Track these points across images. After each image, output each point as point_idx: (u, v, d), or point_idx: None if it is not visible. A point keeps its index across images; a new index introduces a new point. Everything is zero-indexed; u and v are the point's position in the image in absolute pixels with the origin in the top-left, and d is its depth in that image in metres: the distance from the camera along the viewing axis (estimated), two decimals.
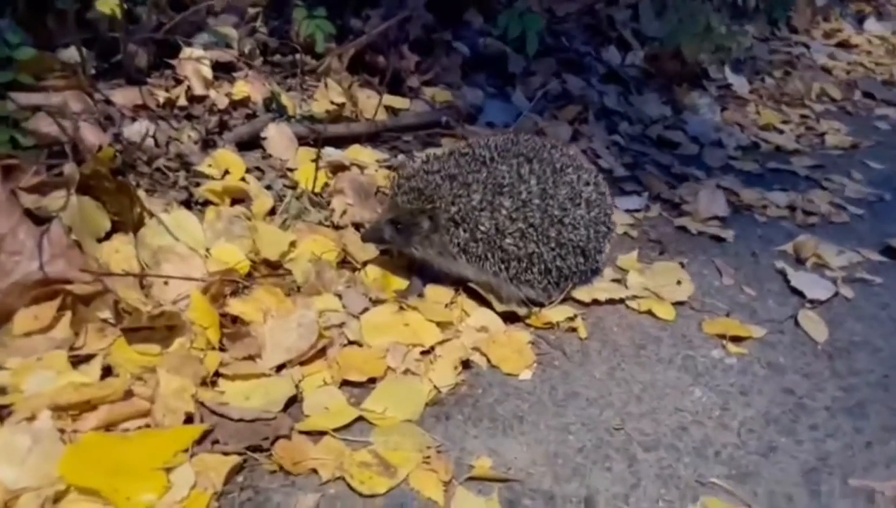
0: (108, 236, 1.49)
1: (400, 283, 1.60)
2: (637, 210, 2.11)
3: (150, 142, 1.69)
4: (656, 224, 2.06)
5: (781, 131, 2.91)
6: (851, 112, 3.28)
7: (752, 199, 2.25)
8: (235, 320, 1.41)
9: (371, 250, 1.65)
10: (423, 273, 1.61)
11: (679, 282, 1.75)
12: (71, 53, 1.80)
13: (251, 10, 2.34)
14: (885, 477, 1.25)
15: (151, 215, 1.51)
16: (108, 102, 1.71)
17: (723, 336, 1.58)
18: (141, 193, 1.55)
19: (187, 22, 2.13)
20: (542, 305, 1.60)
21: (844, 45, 4.25)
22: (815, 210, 2.23)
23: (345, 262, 1.64)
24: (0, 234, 1.31)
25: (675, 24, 2.70)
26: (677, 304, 1.68)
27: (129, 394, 1.20)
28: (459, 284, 1.59)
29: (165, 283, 1.42)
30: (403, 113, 2.20)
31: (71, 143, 1.49)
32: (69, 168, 1.45)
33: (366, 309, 1.48)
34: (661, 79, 3.00)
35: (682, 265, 1.84)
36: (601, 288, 1.69)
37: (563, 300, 1.62)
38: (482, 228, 1.51)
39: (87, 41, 1.83)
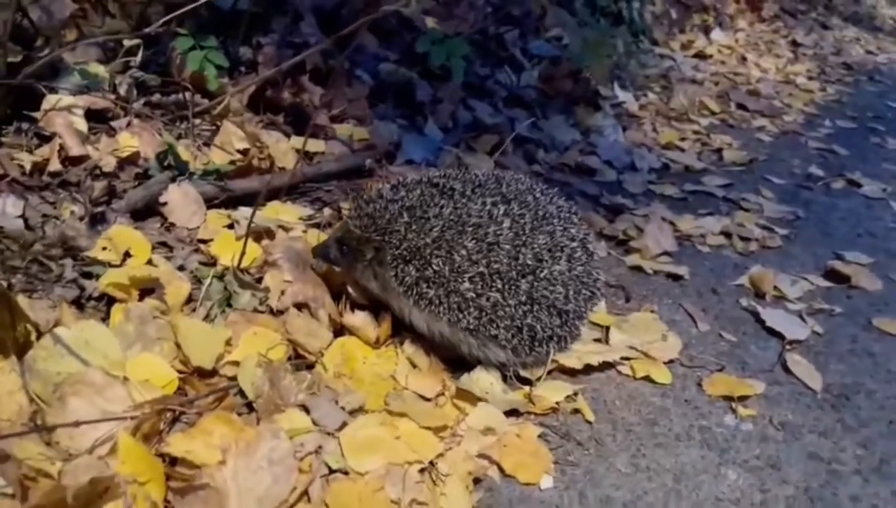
0: None
1: (381, 382, 1.32)
2: None
3: (19, 224, 1.29)
4: (609, 265, 1.91)
5: (683, 149, 2.89)
6: (733, 125, 3.35)
7: (689, 228, 2.17)
8: (177, 462, 1.07)
9: (326, 338, 1.36)
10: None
11: (664, 337, 1.59)
12: None
13: (117, 40, 1.94)
14: None
15: (40, 332, 1.13)
16: None
17: (728, 398, 1.44)
18: (20, 298, 1.16)
19: (43, 65, 1.71)
20: (526, 381, 1.39)
21: (700, 55, 4.41)
22: (750, 235, 2.19)
23: (297, 356, 1.33)
24: None
25: (580, 45, 2.59)
26: (669, 363, 1.53)
27: None
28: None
29: (76, 426, 1.05)
30: (322, 158, 1.90)
31: None
32: None
33: (344, 423, 1.19)
34: (559, 99, 2.89)
35: (654, 312, 1.70)
36: (587, 351, 1.50)
37: (550, 371, 1.41)
38: (434, 267, 1.29)
39: None
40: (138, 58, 1.85)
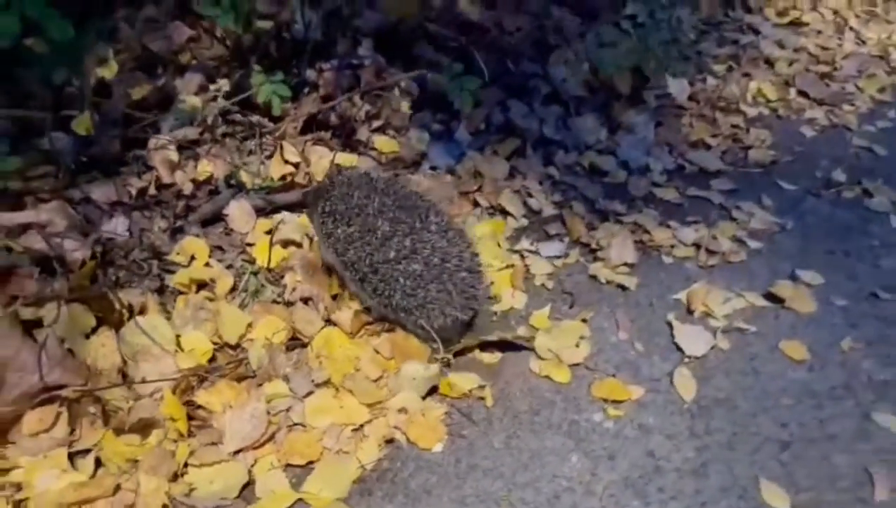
0: (94, 329, 1.82)
1: (345, 364, 1.92)
2: (557, 257, 2.41)
3: (125, 235, 1.98)
4: (572, 272, 2.37)
5: (709, 147, 3.15)
6: (782, 116, 3.50)
7: (663, 239, 2.54)
8: (199, 408, 1.75)
9: (318, 327, 1.98)
10: None
11: (578, 343, 2.07)
12: (55, 139, 2.07)
13: (217, 67, 2.57)
14: None
15: (130, 316, 1.83)
16: (87, 199, 1.98)
17: (606, 400, 1.93)
18: (120, 291, 1.86)
19: (157, 89, 2.37)
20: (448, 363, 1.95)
21: (796, 23, 4.41)
22: (718, 249, 2.52)
23: (293, 338, 1.96)
24: (7, 356, 1.63)
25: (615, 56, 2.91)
26: (574, 365, 2.02)
27: (117, 488, 1.55)
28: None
29: (143, 381, 1.75)
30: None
31: (58, 259, 1.79)
32: (59, 285, 1.75)
33: (310, 392, 1.81)
34: (601, 94, 3.21)
35: (586, 321, 2.16)
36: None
37: (476, 369, 1.96)
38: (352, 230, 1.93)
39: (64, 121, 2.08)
40: (227, 86, 2.46)
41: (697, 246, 2.54)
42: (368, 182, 2.00)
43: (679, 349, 2.11)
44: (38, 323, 1.72)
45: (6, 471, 1.55)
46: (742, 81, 3.61)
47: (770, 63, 3.91)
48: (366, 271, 1.91)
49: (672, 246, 2.53)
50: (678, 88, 3.46)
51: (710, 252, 2.51)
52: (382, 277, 1.90)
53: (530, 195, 2.63)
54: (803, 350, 2.13)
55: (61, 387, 1.65)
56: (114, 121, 2.12)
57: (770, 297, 2.33)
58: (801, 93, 3.68)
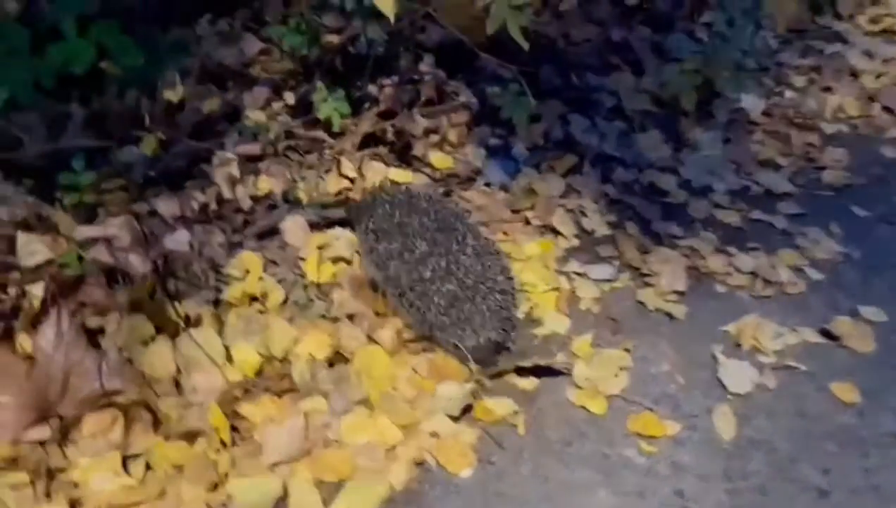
0: (153, 338, 1.94)
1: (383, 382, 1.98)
2: (606, 280, 2.40)
3: (186, 248, 2.10)
4: (620, 297, 2.36)
5: (779, 167, 3.04)
6: (862, 134, 3.34)
7: (718, 265, 2.48)
8: (242, 419, 1.85)
9: (362, 343, 2.05)
10: None
11: (617, 373, 2.07)
12: (126, 155, 2.22)
13: (284, 80, 2.67)
14: None
15: (186, 326, 1.95)
16: (153, 213, 2.11)
17: (641, 435, 1.92)
18: (178, 303, 1.99)
19: (226, 102, 2.49)
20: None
21: (889, 32, 4.17)
22: (775, 278, 2.45)
23: (337, 354, 2.04)
24: (72, 362, 1.77)
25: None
26: (612, 396, 2.02)
27: (162, 493, 1.67)
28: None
29: (194, 390, 1.86)
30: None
31: (122, 271, 1.93)
32: (121, 296, 1.88)
33: (347, 410, 1.89)
34: (669, 107, 3.15)
35: (628, 350, 2.15)
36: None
37: (512, 393, 1.99)
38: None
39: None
40: (292, 101, 2.56)
41: (754, 275, 2.48)
42: (410, 201, 2.11)
43: (722, 384, 2.08)
44: (101, 331, 1.86)
45: (66, 470, 1.69)
46: (822, 96, 3.47)
47: (855, 75, 3.73)
48: (404, 287, 2.00)
49: (727, 274, 2.48)
50: (752, 102, 3.35)
51: (767, 282, 2.45)
52: (418, 294, 1.99)
53: (584, 214, 2.62)
54: (855, 393, 2.06)
55: (118, 393, 1.78)
56: (181, 137, 2.24)
57: (826, 334, 2.26)
58: (887, 109, 3.49)
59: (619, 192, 2.78)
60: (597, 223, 2.61)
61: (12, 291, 1.90)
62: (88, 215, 2.06)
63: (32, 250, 1.96)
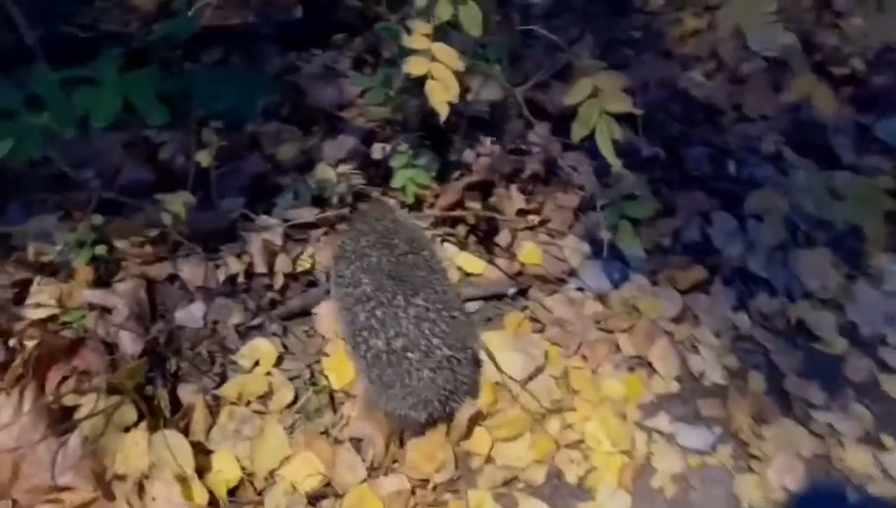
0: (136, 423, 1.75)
1: None
2: (699, 452, 1.87)
3: (199, 323, 1.88)
4: (710, 480, 1.81)
5: None
6: None
7: (859, 463, 1.85)
8: None
9: (360, 476, 1.72)
10: None
11: None
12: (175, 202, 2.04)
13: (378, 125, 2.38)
14: None
15: (170, 419, 1.73)
16: (174, 277, 1.92)
17: None
18: (173, 389, 1.78)
19: (301, 151, 2.26)
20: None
21: None
22: None
23: (327, 485, 1.72)
24: (26, 446, 1.62)
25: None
26: None
27: None
28: None
29: (154, 500, 1.64)
30: (467, 282, 2.11)
31: (113, 348, 1.75)
32: (98, 380, 1.70)
33: None
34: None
35: None
36: None
37: None
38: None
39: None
40: (379, 154, 2.25)
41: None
42: (385, 230, 1.85)
43: None
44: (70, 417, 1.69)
45: None
46: None
47: None
48: (343, 318, 1.78)
49: (869, 477, 1.84)
50: None
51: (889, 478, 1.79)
52: (351, 334, 1.74)
53: (696, 350, 2.08)
54: None
55: (69, 489, 1.60)
56: (222, 193, 2.03)
57: None
58: None
59: (752, 326, 2.18)
60: (710, 365, 2.05)
61: (12, 342, 1.80)
62: (111, 269, 1.91)
63: (40, 301, 1.85)
